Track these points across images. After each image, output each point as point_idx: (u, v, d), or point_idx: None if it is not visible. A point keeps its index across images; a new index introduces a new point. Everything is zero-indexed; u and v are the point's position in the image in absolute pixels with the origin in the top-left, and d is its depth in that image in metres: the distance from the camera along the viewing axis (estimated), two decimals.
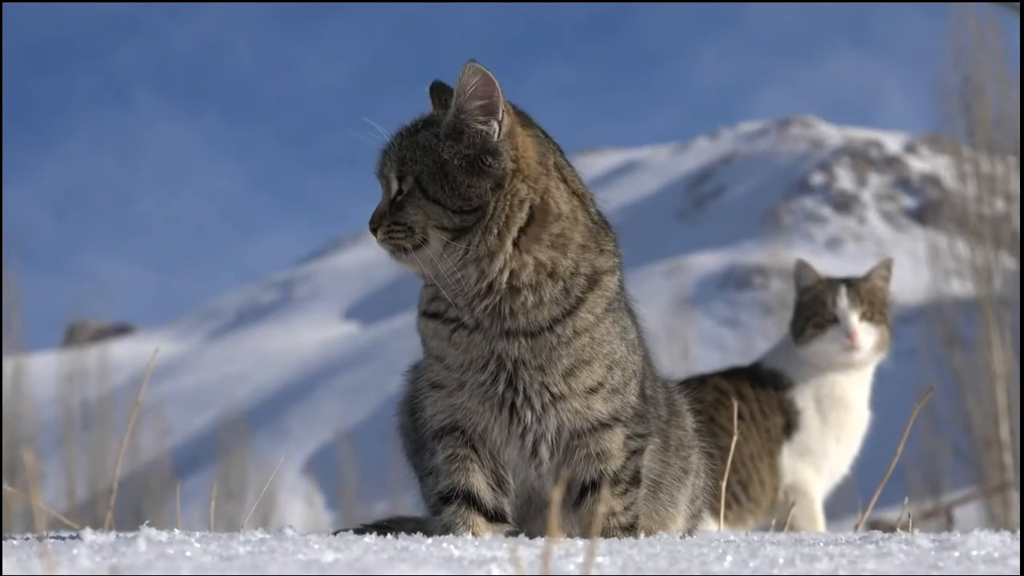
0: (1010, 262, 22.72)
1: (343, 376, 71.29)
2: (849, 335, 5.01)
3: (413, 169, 2.78)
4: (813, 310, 5.08)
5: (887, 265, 5.22)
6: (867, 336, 5.04)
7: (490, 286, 2.77)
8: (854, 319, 5.03)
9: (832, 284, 5.12)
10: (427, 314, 2.88)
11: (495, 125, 2.77)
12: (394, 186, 2.81)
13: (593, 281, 2.84)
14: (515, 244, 2.76)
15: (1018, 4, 16.80)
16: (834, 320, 5.04)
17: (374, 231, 2.81)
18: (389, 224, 2.79)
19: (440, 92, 2.96)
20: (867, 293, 5.10)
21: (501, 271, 2.76)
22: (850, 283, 5.12)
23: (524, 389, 2.81)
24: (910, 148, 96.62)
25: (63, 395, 32.78)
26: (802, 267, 5.22)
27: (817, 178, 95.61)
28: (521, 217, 2.76)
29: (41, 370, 31.04)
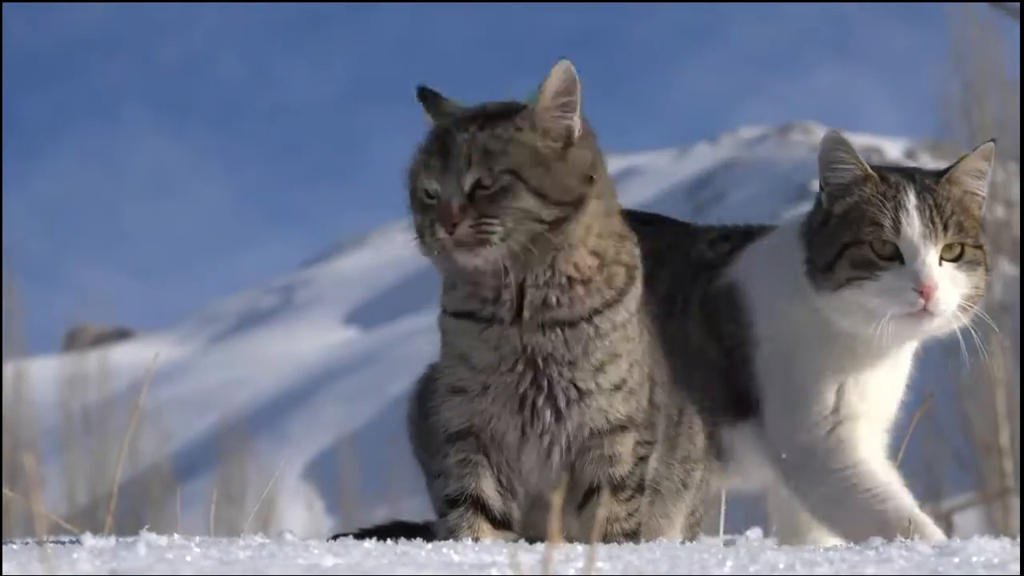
0: (1010, 268, 22.74)
1: (344, 381, 71.23)
2: (922, 289, 2.94)
3: (506, 162, 2.77)
4: (853, 235, 3.03)
5: (986, 154, 3.05)
6: (951, 293, 2.99)
7: (552, 276, 2.79)
8: (931, 260, 2.96)
9: (892, 185, 3.00)
10: (457, 313, 2.85)
11: (577, 121, 2.83)
12: (469, 180, 2.75)
13: (631, 276, 2.88)
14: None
15: (1018, 7, 16.79)
16: (894, 258, 2.97)
17: (453, 225, 2.72)
18: (477, 218, 2.73)
19: (433, 98, 2.97)
20: (955, 207, 2.98)
21: (570, 261, 2.80)
22: (923, 185, 3.00)
23: (550, 386, 2.81)
24: (910, 154, 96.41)
25: (64, 400, 32.78)
26: (836, 144, 3.11)
27: (818, 184, 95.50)
28: (601, 209, 2.83)
29: (42, 375, 31.03)
